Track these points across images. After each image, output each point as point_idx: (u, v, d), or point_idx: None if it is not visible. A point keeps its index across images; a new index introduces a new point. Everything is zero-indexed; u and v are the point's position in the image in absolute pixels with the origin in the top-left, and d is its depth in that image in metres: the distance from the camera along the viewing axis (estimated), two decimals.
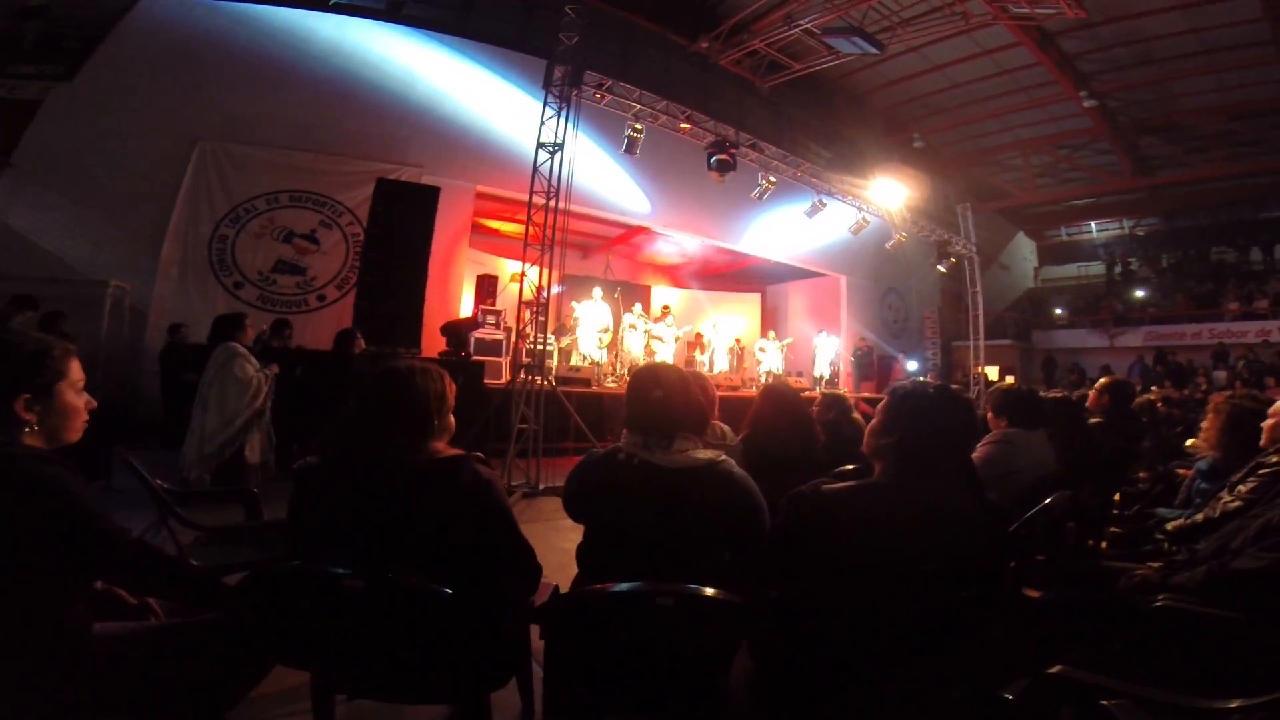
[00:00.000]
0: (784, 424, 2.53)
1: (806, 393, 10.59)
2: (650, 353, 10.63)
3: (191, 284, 7.68)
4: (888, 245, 11.20)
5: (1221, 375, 13.55)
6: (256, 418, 4.46)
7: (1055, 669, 1.22)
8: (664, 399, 1.62)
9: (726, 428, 2.58)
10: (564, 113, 6.68)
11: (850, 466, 2.22)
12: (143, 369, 7.14)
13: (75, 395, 1.34)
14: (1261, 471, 2.13)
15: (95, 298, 6.85)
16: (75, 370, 1.34)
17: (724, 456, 1.61)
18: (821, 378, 12.06)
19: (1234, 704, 1.07)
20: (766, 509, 1.63)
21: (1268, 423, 2.43)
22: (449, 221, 8.54)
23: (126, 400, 6.75)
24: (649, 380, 1.69)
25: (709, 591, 1.30)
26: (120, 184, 7.48)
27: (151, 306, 7.42)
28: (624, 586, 1.28)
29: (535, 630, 1.49)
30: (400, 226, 7.11)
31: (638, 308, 11.04)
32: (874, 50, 10.41)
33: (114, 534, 1.26)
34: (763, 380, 11.33)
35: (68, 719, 1.23)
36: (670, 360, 9.96)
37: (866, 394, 10.71)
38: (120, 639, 1.32)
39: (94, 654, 1.26)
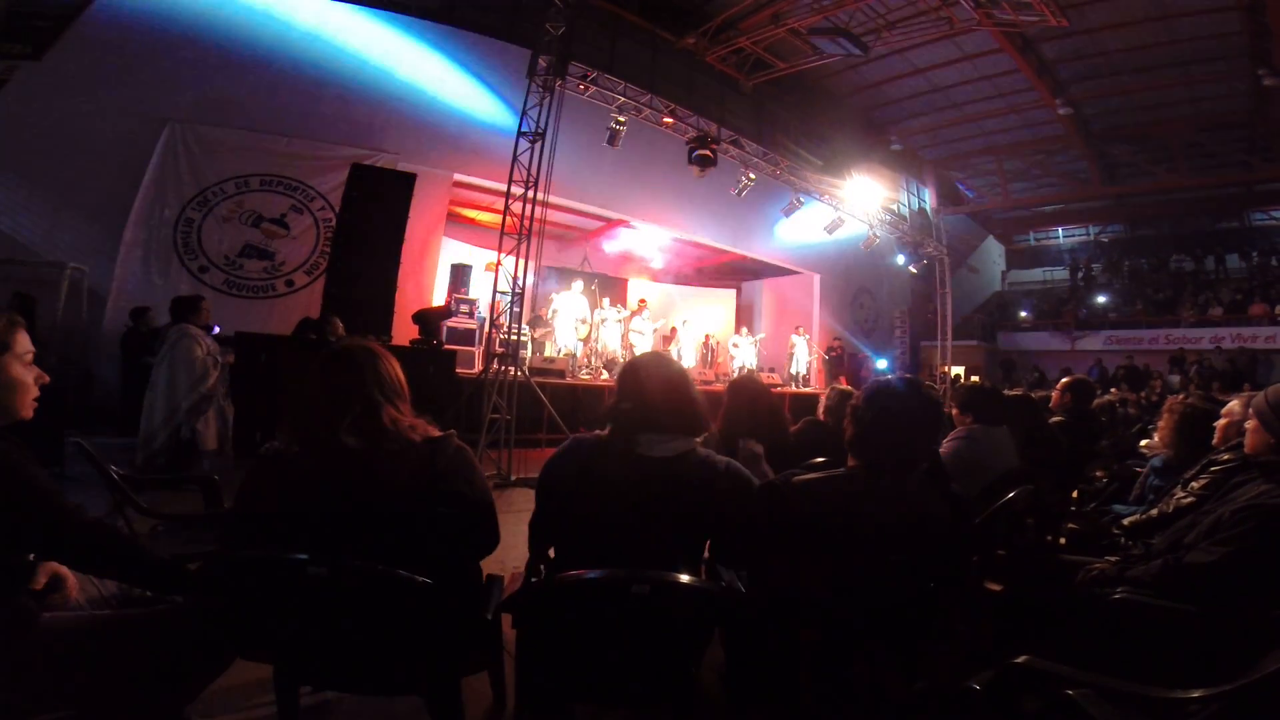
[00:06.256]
0: (754, 416, 2.55)
1: (778, 388, 10.72)
2: (628, 345, 10.63)
3: (154, 267, 7.43)
4: (861, 245, 11.36)
5: (1175, 380, 14.07)
6: (204, 401, 4.34)
7: (1021, 660, 1.25)
8: (665, 394, 1.55)
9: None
10: (546, 103, 6.61)
11: (821, 459, 2.25)
12: (100, 354, 6.89)
13: (23, 369, 1.26)
14: (1213, 469, 2.21)
15: (52, 279, 6.60)
16: (22, 342, 1.26)
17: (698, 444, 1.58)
18: (797, 375, 12.23)
19: (1194, 693, 1.10)
20: (753, 490, 1.59)
21: (1220, 423, 2.52)
22: (425, 209, 8.39)
23: (82, 386, 6.52)
24: (649, 372, 1.62)
25: (684, 579, 1.30)
26: (83, 165, 7.18)
27: (111, 290, 7.15)
28: (598, 573, 1.27)
29: (507, 620, 1.47)
30: (374, 213, 6.96)
31: (605, 302, 11.02)
32: (859, 52, 10.51)
33: (68, 512, 1.20)
34: (734, 374, 11.43)
35: (16, 711, 1.18)
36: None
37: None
38: (70, 630, 1.27)
39: (42, 645, 1.21)
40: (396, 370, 1.52)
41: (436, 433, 1.49)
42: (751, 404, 2.60)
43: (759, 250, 12.59)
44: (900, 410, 1.58)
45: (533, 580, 1.64)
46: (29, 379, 1.28)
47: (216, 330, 5.63)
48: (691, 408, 1.59)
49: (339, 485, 1.38)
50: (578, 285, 10.51)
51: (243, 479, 1.47)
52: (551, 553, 1.66)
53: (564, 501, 1.56)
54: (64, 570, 1.44)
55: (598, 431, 1.62)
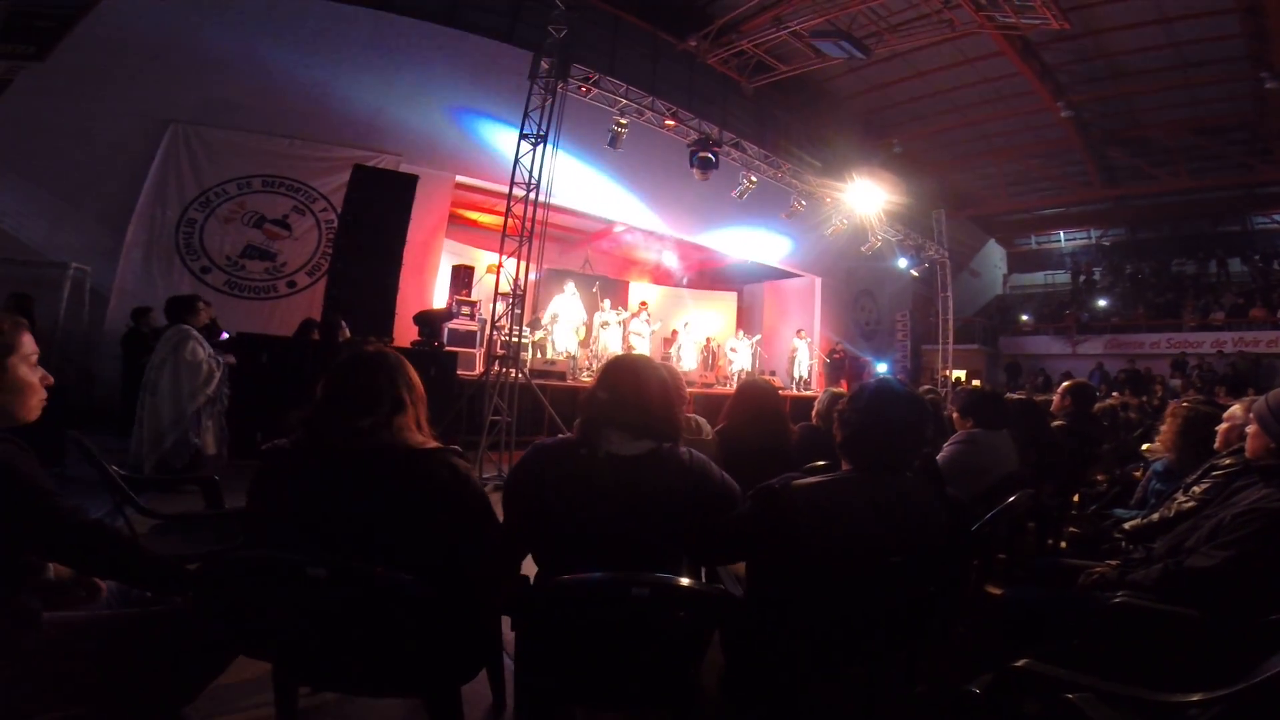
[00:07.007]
0: (758, 418, 2.54)
1: (781, 390, 10.73)
2: (628, 348, 10.65)
3: (156, 268, 7.45)
4: (863, 249, 11.35)
5: (1177, 384, 14.05)
6: (209, 404, 4.31)
7: (1020, 663, 1.25)
8: (640, 396, 1.50)
9: (702, 420, 2.58)
10: (548, 105, 6.62)
11: (821, 462, 2.25)
12: (101, 354, 6.91)
13: (29, 370, 1.26)
14: (1215, 473, 2.20)
15: (54, 279, 6.63)
16: (27, 344, 1.26)
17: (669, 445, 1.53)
18: (799, 378, 12.22)
19: (1194, 697, 1.10)
20: (731, 492, 1.56)
21: (1222, 426, 2.52)
22: (426, 211, 8.40)
23: (83, 385, 6.53)
24: (626, 373, 1.57)
25: (684, 582, 1.30)
26: (85, 166, 7.21)
27: (113, 290, 7.17)
28: (598, 576, 1.26)
29: (506, 622, 1.47)
30: (376, 214, 6.97)
31: (606, 304, 11.03)
32: (860, 55, 10.53)
33: (67, 513, 1.21)
34: (735, 378, 11.45)
35: (16, 710, 1.18)
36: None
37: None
38: (72, 628, 1.27)
39: (44, 644, 1.21)
40: (417, 377, 1.54)
41: (434, 443, 1.48)
42: (759, 407, 2.59)
43: (760, 253, 12.59)
44: (887, 411, 1.59)
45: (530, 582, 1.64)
46: (35, 380, 1.28)
47: (225, 336, 5.62)
48: (665, 413, 1.52)
49: (343, 486, 1.38)
50: (570, 287, 10.53)
51: (254, 476, 1.47)
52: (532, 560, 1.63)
53: (532, 509, 1.52)
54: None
55: (560, 435, 1.61)
